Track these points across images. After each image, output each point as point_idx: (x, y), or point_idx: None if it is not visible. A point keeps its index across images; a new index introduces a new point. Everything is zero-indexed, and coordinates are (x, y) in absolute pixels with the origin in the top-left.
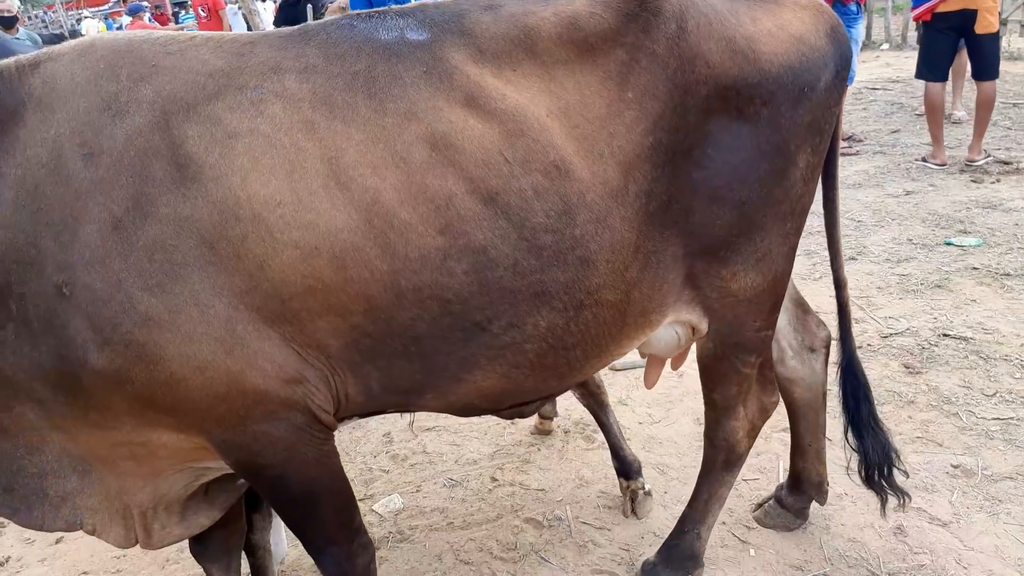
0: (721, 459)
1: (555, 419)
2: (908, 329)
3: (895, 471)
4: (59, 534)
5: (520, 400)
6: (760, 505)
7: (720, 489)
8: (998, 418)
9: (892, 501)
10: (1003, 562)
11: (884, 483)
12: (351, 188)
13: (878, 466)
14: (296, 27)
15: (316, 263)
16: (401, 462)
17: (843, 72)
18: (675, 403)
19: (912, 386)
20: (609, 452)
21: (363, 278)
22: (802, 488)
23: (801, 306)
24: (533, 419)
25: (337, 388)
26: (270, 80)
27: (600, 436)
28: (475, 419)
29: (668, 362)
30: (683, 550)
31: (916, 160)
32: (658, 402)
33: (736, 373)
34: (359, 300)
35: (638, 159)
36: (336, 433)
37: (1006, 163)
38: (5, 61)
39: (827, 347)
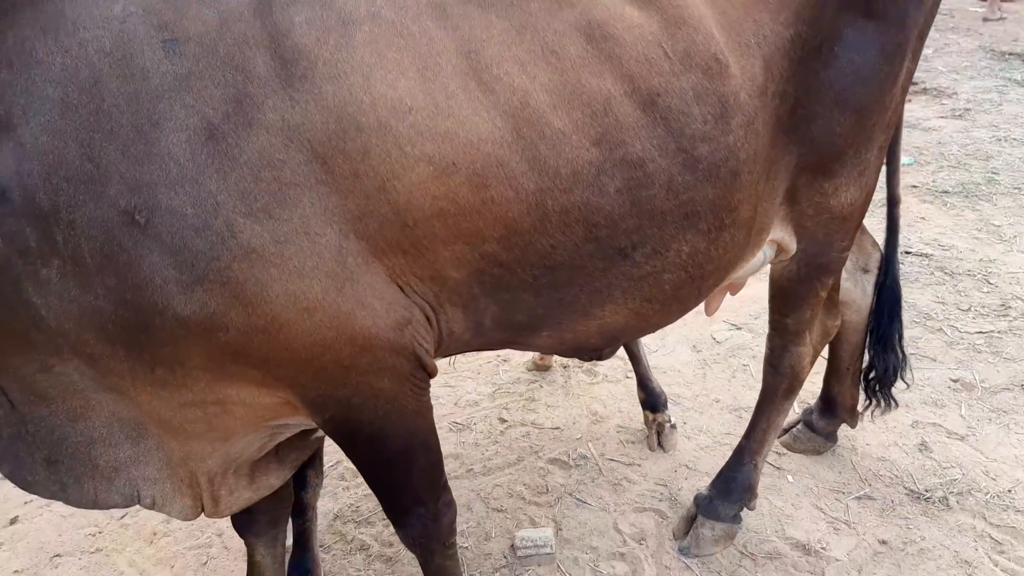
0: (784, 387)
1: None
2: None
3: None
4: (15, 512)
5: (635, 337)
6: (787, 430)
7: (778, 418)
8: (980, 332)
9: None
10: None
11: (882, 393)
12: (495, 89)
13: (885, 380)
14: None
15: (452, 182)
16: None
17: None
18: (668, 331)
19: None
20: (615, 385)
21: (505, 198)
22: (835, 411)
23: None
24: (529, 354)
25: (441, 327)
26: None
27: (601, 369)
28: (463, 356)
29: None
30: (741, 482)
31: None
32: None
33: (814, 296)
34: (496, 225)
35: (778, 53)
36: None
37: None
38: None
39: (879, 268)
